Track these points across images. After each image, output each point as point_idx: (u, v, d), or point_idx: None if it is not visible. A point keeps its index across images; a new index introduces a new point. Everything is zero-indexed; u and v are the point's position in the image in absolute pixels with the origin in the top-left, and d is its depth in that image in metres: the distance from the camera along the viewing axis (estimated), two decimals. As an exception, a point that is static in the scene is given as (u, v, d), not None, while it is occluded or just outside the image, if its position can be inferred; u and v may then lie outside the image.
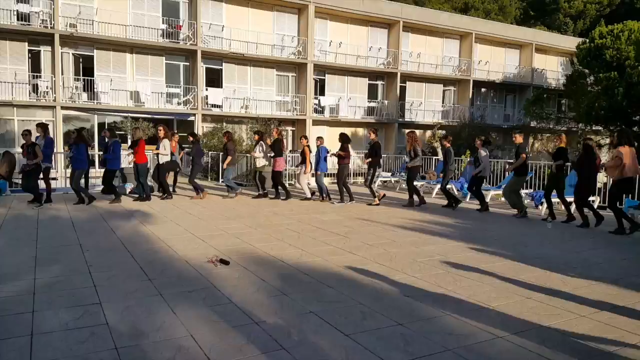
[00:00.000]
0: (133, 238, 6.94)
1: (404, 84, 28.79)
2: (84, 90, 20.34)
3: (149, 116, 20.81)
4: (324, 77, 26.53)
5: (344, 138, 11.00)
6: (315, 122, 25.38)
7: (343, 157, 10.84)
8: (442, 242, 7.08)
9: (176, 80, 22.51)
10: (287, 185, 12.29)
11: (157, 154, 10.97)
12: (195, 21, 21.68)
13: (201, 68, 22.49)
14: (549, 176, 9.84)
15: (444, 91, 30.67)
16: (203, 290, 4.57)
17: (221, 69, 23.37)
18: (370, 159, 10.87)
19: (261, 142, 11.60)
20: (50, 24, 18.89)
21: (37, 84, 19.08)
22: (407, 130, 12.48)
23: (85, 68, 20.57)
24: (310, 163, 11.34)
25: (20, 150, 15.95)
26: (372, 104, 28.04)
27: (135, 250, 6.12)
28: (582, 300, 4.46)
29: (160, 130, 11.08)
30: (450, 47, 30.05)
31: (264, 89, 24.62)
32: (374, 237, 7.36)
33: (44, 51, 19.39)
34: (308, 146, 11.39)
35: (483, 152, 10.28)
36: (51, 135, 10.37)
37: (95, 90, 20.02)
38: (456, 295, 4.56)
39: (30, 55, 19.35)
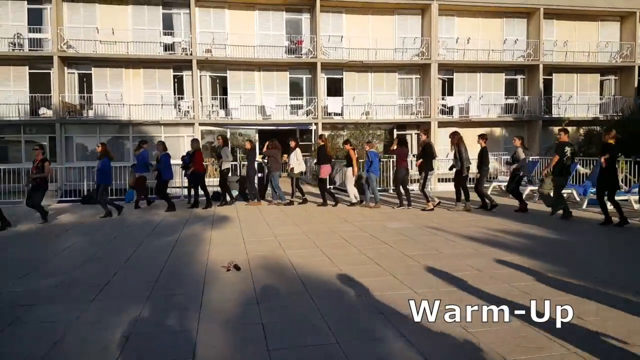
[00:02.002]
0: (187, 239, 7.43)
1: (550, 77, 25.65)
2: (221, 108, 22.65)
3: (274, 127, 22.16)
4: (452, 76, 25.08)
5: (399, 140, 10.79)
6: (442, 124, 24.08)
7: (399, 160, 10.60)
8: (511, 272, 6.06)
9: (299, 92, 23.64)
10: (332, 193, 11.83)
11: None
12: (315, 35, 22.48)
13: (322, 79, 23.22)
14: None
15: (601, 81, 26.42)
16: (184, 295, 4.67)
17: (342, 78, 23.79)
18: (420, 161, 10.35)
19: (297, 149, 11.54)
20: (189, 52, 21.50)
21: (179, 105, 21.85)
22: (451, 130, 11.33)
23: (221, 88, 22.90)
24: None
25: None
26: (510, 101, 25.53)
27: (176, 252, 6.57)
28: None
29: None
30: (607, 31, 25.81)
31: (386, 93, 24.28)
32: (421, 247, 6.65)
33: (186, 75, 22.16)
34: (353, 149, 11.20)
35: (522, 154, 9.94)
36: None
37: (228, 107, 22.12)
38: None
39: (175, 80, 22.27)
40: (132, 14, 21.55)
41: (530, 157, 15.50)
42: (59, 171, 19.23)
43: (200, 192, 11.58)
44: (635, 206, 9.98)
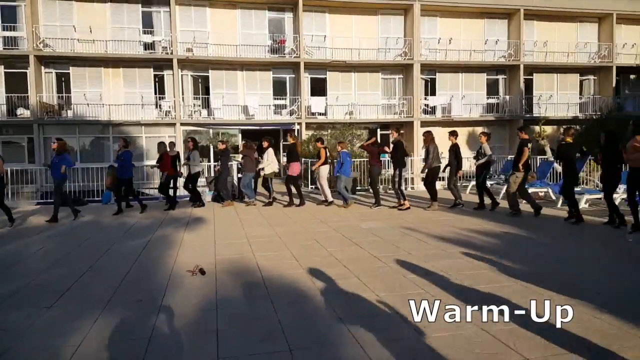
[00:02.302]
0: (158, 242, 7.32)
1: (530, 76, 25.93)
2: (203, 107, 22.45)
3: (258, 127, 22.04)
4: (434, 76, 25.20)
5: (374, 141, 11.03)
6: (425, 124, 24.16)
7: (372, 159, 10.79)
8: (479, 267, 6.06)
9: (283, 92, 23.54)
10: (301, 191, 11.67)
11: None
12: (298, 34, 22.41)
13: (305, 79, 23.16)
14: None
15: (581, 81, 26.75)
16: (144, 301, 4.58)
17: (325, 78, 23.74)
18: (392, 159, 10.54)
19: (269, 149, 11.57)
20: (170, 51, 21.27)
21: (160, 104, 21.62)
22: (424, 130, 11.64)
23: (203, 87, 22.70)
24: (328, 164, 11.37)
25: (148, 163, 18.55)
26: (492, 100, 25.73)
27: (145, 255, 6.46)
28: None
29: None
30: (586, 31, 26.17)
31: (369, 93, 24.30)
32: (391, 248, 6.63)
33: (167, 75, 21.93)
34: (325, 147, 11.28)
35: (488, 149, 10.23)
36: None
37: (210, 106, 21.94)
38: None
39: (157, 79, 22.03)
40: (111, 12, 21.23)
41: (509, 156, 15.64)
42: (37, 173, 19.05)
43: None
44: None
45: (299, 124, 22.38)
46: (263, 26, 22.86)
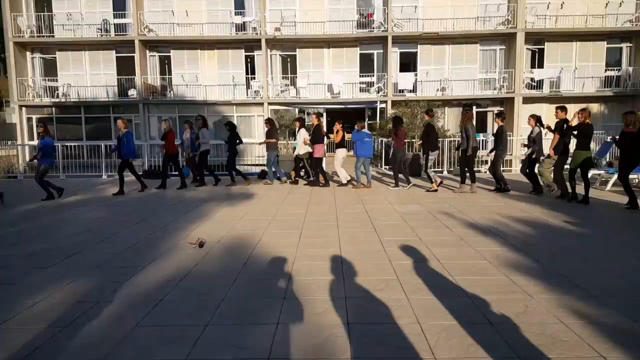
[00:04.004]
0: (192, 216, 7.55)
1: (665, 43, 22.00)
2: (291, 86, 22.74)
3: (342, 107, 21.80)
4: (542, 46, 22.55)
5: (395, 121, 10.41)
6: (528, 100, 21.92)
7: (398, 140, 10.27)
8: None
9: (370, 69, 22.87)
10: (325, 172, 11.36)
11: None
12: (386, 7, 21.50)
13: (394, 54, 22.25)
14: None
15: None
16: (128, 267, 4.73)
17: (416, 52, 22.54)
18: (422, 142, 9.94)
19: (302, 129, 11.28)
20: (259, 31, 21.79)
21: (250, 84, 22.36)
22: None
23: (292, 66, 22.97)
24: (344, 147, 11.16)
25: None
26: (611, 73, 22.35)
27: (170, 227, 6.71)
28: None
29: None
30: None
31: (465, 67, 22.57)
32: (406, 232, 6.06)
33: (257, 55, 22.55)
34: (342, 128, 11.11)
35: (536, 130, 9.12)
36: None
37: (296, 85, 22.16)
38: None
39: (248, 60, 22.78)
40: (206, -5, 22.34)
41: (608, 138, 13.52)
42: (143, 148, 21.02)
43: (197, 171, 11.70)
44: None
45: (385, 102, 21.63)
46: (351, 0, 22.28)
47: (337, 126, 11.02)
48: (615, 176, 9.35)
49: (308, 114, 22.71)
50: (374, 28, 22.23)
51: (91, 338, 3.14)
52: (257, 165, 17.24)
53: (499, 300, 3.69)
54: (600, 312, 3.44)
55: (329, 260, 4.85)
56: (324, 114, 22.48)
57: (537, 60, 22.72)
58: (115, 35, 22.29)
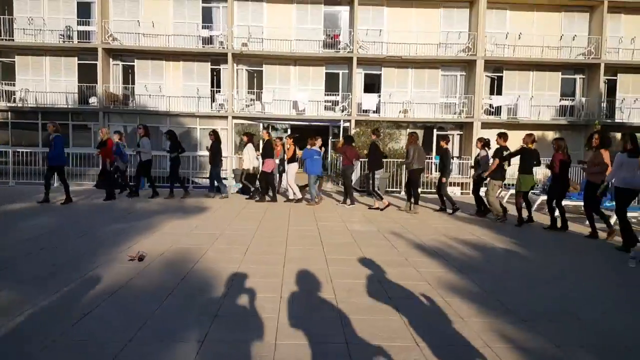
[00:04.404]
0: (141, 228, 7.35)
1: (614, 77, 23.25)
2: (257, 101, 22.74)
3: (307, 124, 21.92)
4: (501, 74, 23.43)
5: (346, 140, 10.78)
6: (487, 125, 22.57)
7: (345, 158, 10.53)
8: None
9: (335, 88, 23.14)
10: (275, 187, 11.64)
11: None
12: (352, 29, 21.93)
13: (359, 75, 22.63)
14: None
15: (678, 84, 23.49)
16: (72, 279, 4.55)
17: (380, 74, 23.01)
18: (367, 161, 10.32)
19: (250, 144, 11.49)
20: (226, 45, 21.78)
21: (215, 98, 22.24)
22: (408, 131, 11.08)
23: (258, 81, 23.00)
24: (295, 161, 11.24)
25: (202, 153, 19.24)
26: (565, 102, 23.39)
27: (115, 238, 6.50)
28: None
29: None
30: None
31: (427, 91, 23.15)
32: (353, 252, 6.10)
33: (223, 69, 22.47)
34: (293, 143, 11.20)
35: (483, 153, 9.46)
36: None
37: (262, 101, 22.17)
38: None
39: (214, 73, 22.69)
40: (174, 7, 22.14)
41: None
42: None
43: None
44: None
45: (348, 121, 21.90)
46: (318, 21, 22.61)
47: (288, 141, 11.14)
48: (541, 198, 9.89)
49: (274, 128, 22.75)
50: (340, 49, 22.60)
51: None
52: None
53: (431, 322, 3.75)
54: (526, 336, 3.52)
55: (271, 277, 4.82)
56: (289, 130, 22.53)
57: (496, 87, 23.57)
58: (79, 42, 21.79)
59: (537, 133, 22.23)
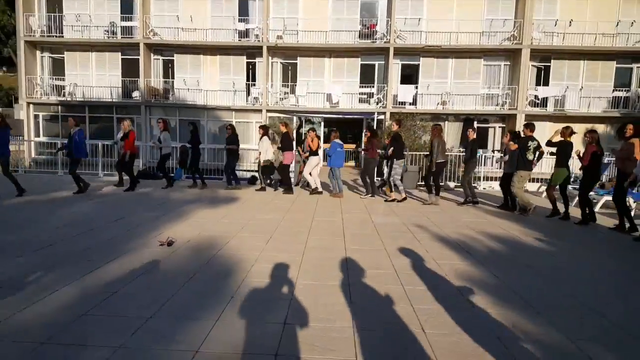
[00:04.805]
0: (174, 216, 7.58)
1: (678, 66, 21.87)
2: (291, 94, 22.86)
3: (340, 116, 21.85)
4: (548, 64, 22.46)
5: (371, 132, 10.69)
6: (531, 117, 21.75)
7: (367, 150, 10.50)
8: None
9: (371, 80, 22.92)
10: (290, 179, 11.67)
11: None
12: (389, 18, 21.61)
13: (395, 65, 22.30)
14: None
15: None
16: (104, 260, 4.77)
17: (418, 64, 22.57)
18: (391, 150, 10.07)
19: (266, 136, 11.40)
20: (261, 38, 21.99)
21: (251, 91, 22.53)
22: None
23: (292, 74, 23.10)
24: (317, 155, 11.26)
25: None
26: (619, 94, 22.17)
27: (150, 226, 6.74)
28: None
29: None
30: None
31: (468, 82, 22.52)
32: (373, 243, 6.05)
33: (258, 62, 22.70)
34: (317, 136, 11.37)
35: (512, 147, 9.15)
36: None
37: (296, 94, 22.27)
38: None
39: (250, 66, 22.97)
40: (211, 1, 22.55)
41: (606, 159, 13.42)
42: (142, 149, 21.19)
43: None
44: None
45: (383, 113, 21.64)
46: (355, 11, 22.41)
47: (311, 134, 11.20)
48: (605, 198, 9.38)
49: (310, 121, 22.82)
50: (376, 39, 22.33)
51: (31, 322, 3.19)
52: (249, 171, 17.29)
53: (440, 309, 3.68)
54: (538, 329, 3.41)
55: (288, 265, 4.87)
56: (322, 123, 22.55)
57: (543, 77, 22.64)
58: (122, 37, 22.59)
59: (586, 126, 21.53)
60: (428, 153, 10.44)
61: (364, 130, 22.36)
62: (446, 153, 10.27)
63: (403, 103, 22.04)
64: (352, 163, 24.20)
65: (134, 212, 7.91)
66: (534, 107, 22.32)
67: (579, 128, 20.86)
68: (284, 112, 22.41)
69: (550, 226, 7.76)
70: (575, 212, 8.64)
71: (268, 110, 22.29)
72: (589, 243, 6.60)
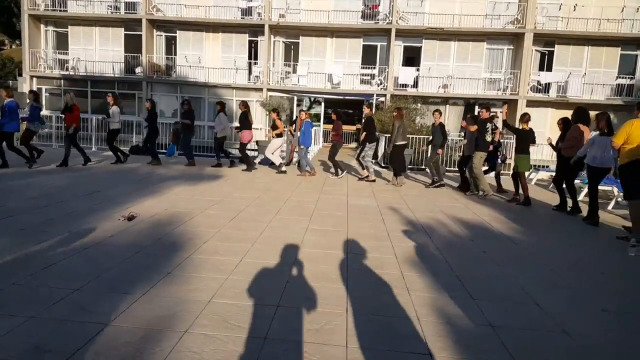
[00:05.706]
0: (147, 191, 7.70)
1: (683, 53, 21.35)
2: (292, 73, 22.74)
3: (341, 97, 21.73)
4: (552, 49, 22.05)
5: (337, 115, 11.14)
6: (533, 103, 21.51)
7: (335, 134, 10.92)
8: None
9: (372, 61, 22.67)
10: (248, 157, 11.73)
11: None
12: (392, -1, 21.30)
13: (397, 47, 22.04)
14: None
15: None
16: (49, 233, 4.90)
17: (420, 47, 22.27)
18: (364, 134, 10.38)
19: (221, 113, 11.57)
20: (264, 17, 21.80)
21: (252, 70, 22.44)
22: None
23: (294, 54, 22.93)
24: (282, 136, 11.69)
25: (236, 124, 19.59)
26: (623, 81, 21.75)
27: (119, 200, 6.86)
28: None
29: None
30: None
31: (470, 65, 22.23)
32: (333, 223, 6.11)
33: (261, 41, 22.56)
34: (279, 118, 11.43)
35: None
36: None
37: (297, 74, 22.14)
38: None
39: (252, 45, 22.83)
40: (215, -22, 22.39)
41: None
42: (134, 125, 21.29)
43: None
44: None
45: (384, 95, 21.48)
46: (358, -10, 22.10)
47: (273, 115, 11.41)
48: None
49: (317, 101, 22.69)
50: (378, 20, 22.02)
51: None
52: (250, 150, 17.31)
53: (372, 295, 3.73)
54: (464, 313, 3.44)
55: (242, 242, 4.93)
56: (322, 104, 22.47)
57: (546, 62, 22.24)
58: (125, 13, 22.55)
59: (590, 113, 21.13)
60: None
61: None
62: (407, 135, 10.75)
63: (404, 85, 21.84)
64: (353, 145, 24.13)
65: (112, 187, 8.04)
66: (536, 92, 22.00)
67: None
68: (284, 91, 22.35)
69: (525, 214, 7.73)
70: (569, 203, 8.60)
71: (269, 90, 22.23)
72: (562, 232, 6.58)
